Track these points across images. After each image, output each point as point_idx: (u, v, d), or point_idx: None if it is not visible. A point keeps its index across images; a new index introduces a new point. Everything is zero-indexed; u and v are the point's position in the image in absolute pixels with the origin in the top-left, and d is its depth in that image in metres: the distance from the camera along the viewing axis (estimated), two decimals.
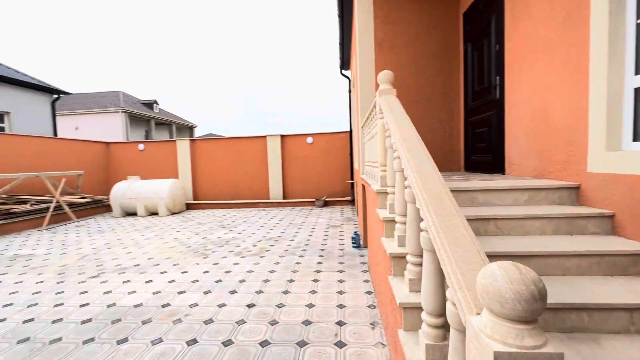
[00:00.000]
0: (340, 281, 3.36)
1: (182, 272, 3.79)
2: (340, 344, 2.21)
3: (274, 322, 2.54)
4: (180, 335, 2.40)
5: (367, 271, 3.63)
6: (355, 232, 4.78)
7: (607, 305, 1.46)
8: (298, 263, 3.99)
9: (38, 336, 2.45)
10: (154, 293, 3.20)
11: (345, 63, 8.82)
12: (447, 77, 4.58)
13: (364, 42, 4.60)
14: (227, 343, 2.26)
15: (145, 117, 26.69)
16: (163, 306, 2.90)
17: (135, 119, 26.20)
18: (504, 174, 3.36)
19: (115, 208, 8.34)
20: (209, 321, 2.59)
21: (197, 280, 3.51)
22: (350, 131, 8.99)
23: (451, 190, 2.36)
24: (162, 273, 3.80)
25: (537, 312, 0.66)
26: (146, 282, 3.52)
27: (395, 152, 1.79)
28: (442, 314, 1.24)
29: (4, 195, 7.12)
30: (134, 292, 3.25)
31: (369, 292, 3.05)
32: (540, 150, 2.73)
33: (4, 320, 2.74)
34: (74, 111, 23.39)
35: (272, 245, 4.89)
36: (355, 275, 3.52)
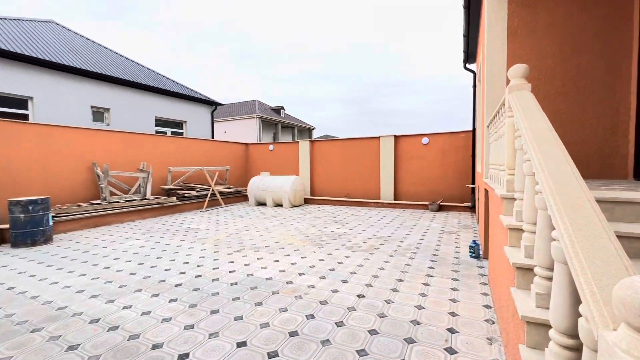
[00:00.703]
0: (454, 289, 3.19)
1: (302, 257, 4.33)
2: (451, 351, 2.15)
3: (382, 315, 2.66)
4: (301, 309, 2.79)
5: (486, 284, 3.32)
6: (474, 240, 4.40)
7: None
8: (408, 265, 3.97)
9: (204, 288, 3.28)
10: (280, 271, 3.79)
11: (469, 56, 8.07)
12: (610, 62, 3.68)
13: (493, 33, 4.19)
14: (339, 324, 2.52)
15: (274, 121, 30.65)
16: (287, 283, 3.41)
17: (266, 123, 30.46)
18: None
19: (251, 198, 10.02)
20: (324, 302, 2.92)
21: (313, 266, 3.95)
22: (474, 130, 8.18)
23: (607, 201, 1.97)
24: (285, 255, 4.43)
25: None
26: (274, 261, 4.19)
27: (526, 154, 1.65)
28: (574, 334, 1.12)
29: (181, 184, 9.56)
30: (265, 267, 3.92)
31: (487, 306, 2.81)
32: None
33: (184, 272, 3.77)
34: (222, 118, 28.89)
35: (381, 244, 4.99)
36: (471, 285, 3.28)
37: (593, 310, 0.78)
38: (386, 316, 2.64)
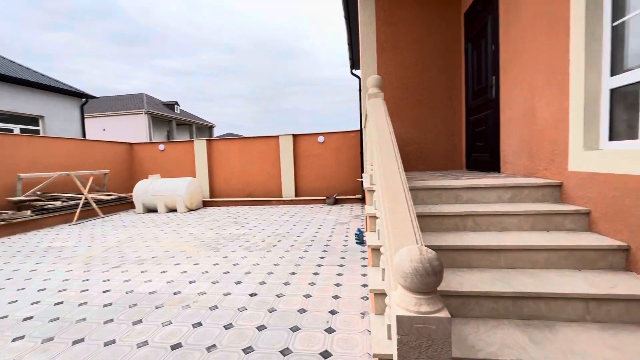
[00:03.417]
0: (339, 274, 3.54)
1: (194, 264, 4.10)
2: (330, 330, 2.40)
3: (272, 310, 2.76)
4: (188, 318, 2.66)
5: (366, 265, 3.79)
6: (359, 228, 4.93)
7: (564, 295, 1.57)
8: (302, 257, 4.20)
9: (66, 316, 2.79)
10: (167, 282, 3.51)
11: (355, 63, 8.94)
12: (449, 76, 4.64)
13: (366, 44, 4.74)
14: (228, 326, 2.51)
15: (167, 118, 27.71)
16: (175, 293, 3.19)
17: (157, 120, 27.27)
18: (499, 172, 3.43)
19: (138, 205, 8.87)
20: (214, 307, 2.85)
21: (207, 272, 3.80)
22: (361, 130, 9.12)
23: (436, 188, 2.49)
24: (176, 265, 4.11)
25: (431, 285, 0.82)
26: (161, 272, 3.84)
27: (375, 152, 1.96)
28: None
29: (38, 193, 7.77)
30: (150, 280, 3.57)
31: (365, 285, 3.21)
32: (529, 149, 2.80)
33: (37, 302, 3.12)
34: (101, 113, 24.63)
35: (279, 241, 5.13)
36: (354, 269, 3.69)
37: (390, 277, 1.01)
38: (276, 310, 2.76)
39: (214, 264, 4.07)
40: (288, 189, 9.78)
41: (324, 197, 9.26)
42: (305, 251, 4.48)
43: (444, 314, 0.81)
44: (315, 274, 3.59)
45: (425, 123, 4.71)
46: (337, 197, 9.16)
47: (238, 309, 2.79)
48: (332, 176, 9.65)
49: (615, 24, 1.98)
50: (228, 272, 3.75)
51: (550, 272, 1.80)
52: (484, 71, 3.73)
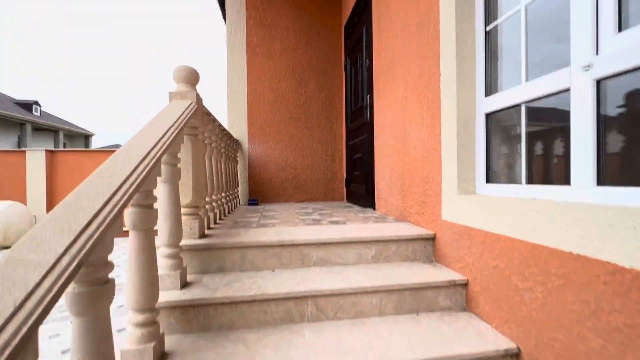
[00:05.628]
0: None
1: None
2: None
3: None
4: None
5: None
6: None
7: None
8: None
9: None
10: None
11: None
12: (329, 94, 4.07)
13: (234, 45, 3.89)
14: None
15: (19, 120, 21.87)
16: None
17: (4, 122, 21.21)
18: (374, 209, 2.84)
19: None
20: None
21: None
22: None
23: (274, 245, 1.62)
24: None
25: None
26: None
27: None
28: None
29: None
30: None
31: None
32: (402, 184, 2.22)
33: None
34: None
35: None
36: None
37: None
38: None
39: None
40: None
41: None
42: None
43: None
44: None
45: (303, 146, 3.99)
46: None
47: None
48: None
49: (488, 28, 1.50)
50: None
51: None
52: (360, 89, 3.20)
